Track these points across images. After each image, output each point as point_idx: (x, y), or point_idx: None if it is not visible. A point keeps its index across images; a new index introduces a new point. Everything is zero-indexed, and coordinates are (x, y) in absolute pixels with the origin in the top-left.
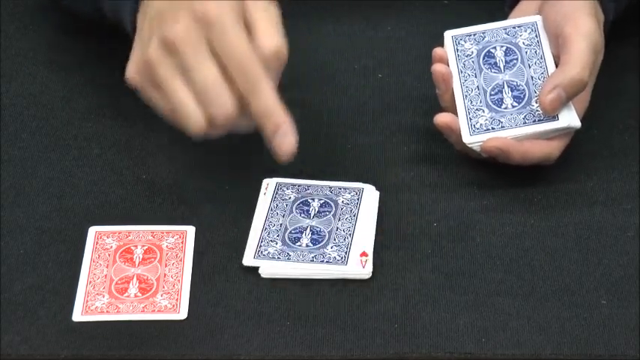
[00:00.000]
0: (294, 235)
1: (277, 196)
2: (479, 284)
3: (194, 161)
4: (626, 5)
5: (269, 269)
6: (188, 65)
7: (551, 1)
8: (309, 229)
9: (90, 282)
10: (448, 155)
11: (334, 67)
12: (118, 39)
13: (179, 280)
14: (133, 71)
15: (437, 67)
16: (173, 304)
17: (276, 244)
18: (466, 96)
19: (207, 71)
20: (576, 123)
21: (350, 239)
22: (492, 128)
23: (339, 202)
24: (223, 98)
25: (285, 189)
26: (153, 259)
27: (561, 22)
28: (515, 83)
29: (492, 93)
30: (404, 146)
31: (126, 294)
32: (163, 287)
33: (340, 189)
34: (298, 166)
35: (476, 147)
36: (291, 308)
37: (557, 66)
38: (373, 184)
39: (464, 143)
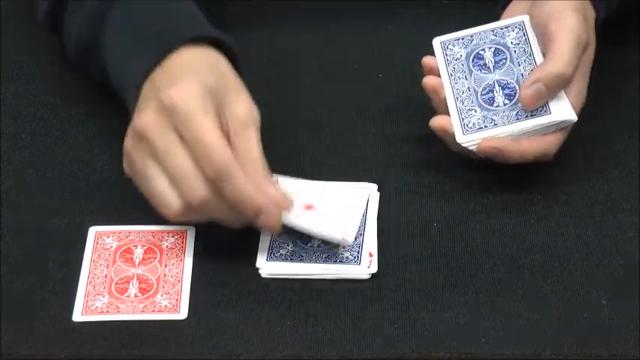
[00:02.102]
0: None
1: None
2: (479, 284)
3: None
4: (618, 4)
5: (271, 269)
6: (158, 153)
7: (538, 1)
8: None
9: (90, 282)
10: (448, 155)
11: (334, 67)
12: None
13: (179, 280)
14: (124, 162)
15: (427, 80)
16: (173, 304)
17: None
18: (457, 97)
19: (176, 158)
20: (571, 116)
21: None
22: (485, 126)
23: None
24: (196, 183)
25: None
26: (153, 259)
27: (547, 19)
28: (505, 81)
29: (483, 93)
30: (404, 146)
31: (126, 294)
32: (163, 287)
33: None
34: (298, 167)
35: (471, 146)
36: (291, 308)
37: None
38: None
39: (459, 144)
